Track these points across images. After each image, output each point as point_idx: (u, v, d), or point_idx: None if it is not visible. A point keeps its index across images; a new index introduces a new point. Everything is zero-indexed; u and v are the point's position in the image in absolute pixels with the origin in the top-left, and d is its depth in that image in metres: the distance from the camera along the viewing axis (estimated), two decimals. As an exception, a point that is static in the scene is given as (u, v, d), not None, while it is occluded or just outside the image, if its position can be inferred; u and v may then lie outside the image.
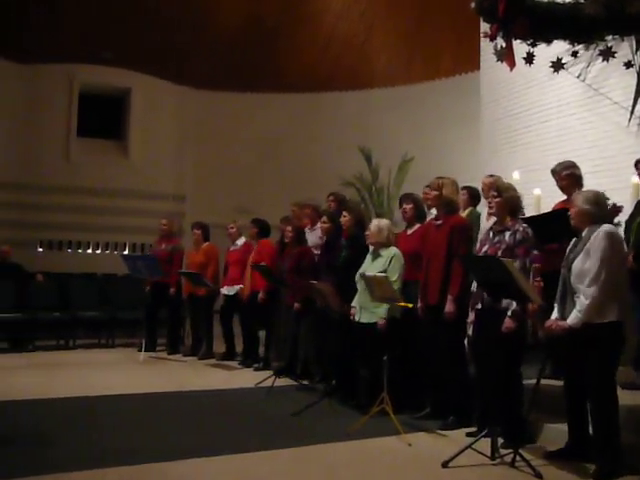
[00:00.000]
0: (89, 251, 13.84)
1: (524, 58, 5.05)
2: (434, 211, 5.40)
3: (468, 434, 4.55)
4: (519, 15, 4.43)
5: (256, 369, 7.19)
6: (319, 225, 6.95)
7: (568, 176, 5.13)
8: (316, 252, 6.78)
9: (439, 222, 5.08)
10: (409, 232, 5.69)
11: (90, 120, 14.03)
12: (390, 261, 5.25)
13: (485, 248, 4.53)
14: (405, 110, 13.49)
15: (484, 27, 5.93)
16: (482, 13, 4.75)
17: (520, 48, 4.99)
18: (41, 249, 13.49)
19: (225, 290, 7.86)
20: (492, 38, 4.74)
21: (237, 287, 7.67)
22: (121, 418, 5.09)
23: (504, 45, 4.79)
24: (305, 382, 6.39)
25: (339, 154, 13.35)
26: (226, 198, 13.75)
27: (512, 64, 4.92)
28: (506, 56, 4.85)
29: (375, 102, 13.91)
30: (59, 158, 13.59)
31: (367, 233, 5.52)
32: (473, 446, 3.99)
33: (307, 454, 4.28)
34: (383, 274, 4.93)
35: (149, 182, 13.94)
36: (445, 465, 3.91)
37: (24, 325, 8.54)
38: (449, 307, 4.82)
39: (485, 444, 4.00)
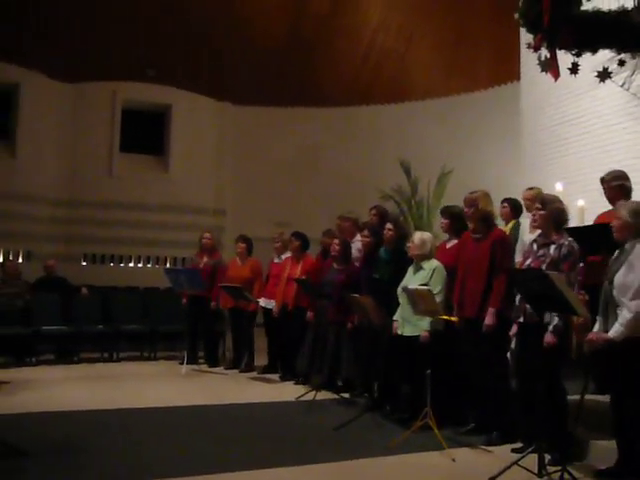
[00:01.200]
0: (131, 265, 14.06)
1: (569, 68, 4.97)
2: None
3: (513, 450, 4.47)
4: (565, 25, 4.38)
5: (296, 383, 7.19)
6: (358, 238, 6.96)
7: (618, 187, 4.96)
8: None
9: (478, 235, 5.03)
10: (448, 245, 5.66)
11: (132, 136, 14.31)
12: (432, 274, 5.22)
13: (529, 261, 4.47)
14: (444, 122, 13.43)
15: (526, 37, 5.90)
16: (526, 24, 4.70)
17: (563, 58, 4.93)
18: (85, 263, 13.75)
19: (263, 302, 7.87)
20: (536, 49, 4.69)
21: (273, 302, 7.67)
22: (164, 430, 5.13)
23: (548, 55, 4.73)
24: (346, 396, 6.37)
25: (378, 167, 13.34)
26: (265, 212, 13.86)
27: (556, 74, 4.86)
28: (550, 66, 4.79)
29: (414, 114, 13.88)
30: (103, 174, 13.89)
31: (409, 245, 5.49)
32: (520, 462, 3.92)
33: (350, 469, 4.25)
34: (426, 287, 4.89)
35: (189, 196, 14.14)
36: (491, 481, 3.85)
37: (69, 337, 8.68)
38: (489, 320, 4.76)
39: (532, 461, 3.92)
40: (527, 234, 5.70)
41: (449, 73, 13.51)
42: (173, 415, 5.70)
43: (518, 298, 4.47)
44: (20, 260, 12.61)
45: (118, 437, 4.87)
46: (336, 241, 6.83)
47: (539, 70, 5.22)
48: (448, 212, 5.69)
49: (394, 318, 5.41)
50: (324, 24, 13.38)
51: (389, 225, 5.95)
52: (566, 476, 3.78)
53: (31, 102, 13.26)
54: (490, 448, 4.66)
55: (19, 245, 13.00)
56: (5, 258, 12.10)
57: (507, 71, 11.95)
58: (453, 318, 4.73)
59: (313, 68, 13.82)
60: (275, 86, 14.09)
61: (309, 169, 14.36)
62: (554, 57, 4.72)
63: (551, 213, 4.41)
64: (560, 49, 4.72)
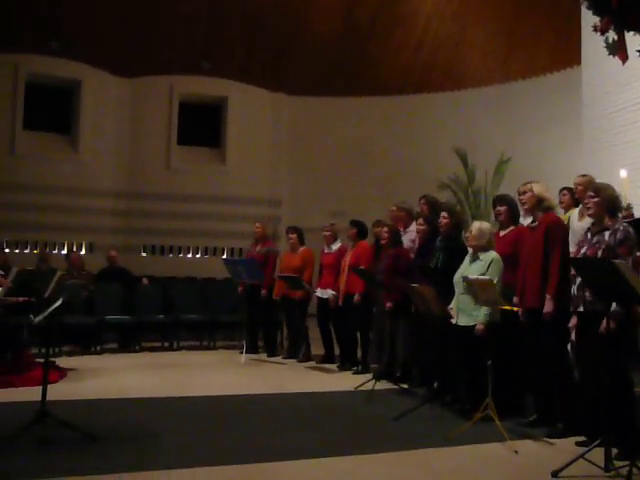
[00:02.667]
0: (189, 256, 14.31)
1: (638, 50, 4.81)
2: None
3: (577, 443, 4.38)
4: (634, 6, 4.24)
5: (355, 372, 7.21)
6: (411, 228, 6.92)
7: None
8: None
9: (533, 225, 4.96)
10: (502, 234, 5.58)
11: (190, 129, 14.54)
12: (489, 265, 5.14)
13: (584, 249, 4.40)
14: (501, 109, 13.21)
15: (587, 20, 5.73)
16: (592, 6, 4.56)
17: (631, 41, 4.77)
18: (144, 254, 14.07)
19: (319, 293, 7.90)
20: (603, 31, 4.55)
21: (330, 292, 7.68)
22: (224, 418, 5.21)
23: (616, 38, 4.59)
24: (404, 386, 6.36)
25: (434, 156, 13.22)
26: (321, 202, 13.90)
27: (624, 58, 4.72)
28: (618, 49, 4.64)
29: (470, 102, 13.68)
30: (161, 166, 14.17)
31: (466, 235, 5.43)
32: (585, 456, 3.84)
33: (410, 459, 4.24)
34: (487, 277, 4.83)
35: (246, 188, 14.30)
36: (555, 475, 3.78)
37: (131, 327, 8.93)
38: (548, 306, 4.68)
39: (598, 454, 3.83)
40: (576, 222, 5.59)
41: (506, 59, 13.25)
42: (234, 403, 5.79)
43: (575, 287, 4.39)
44: (83, 252, 13.00)
45: (182, 424, 4.97)
46: (385, 229, 6.82)
47: (602, 54, 5.07)
48: (502, 199, 5.61)
49: (450, 307, 5.36)
50: (378, 13, 13.29)
51: (444, 214, 5.89)
52: (635, 471, 3.69)
53: (92, 98, 13.61)
54: (553, 441, 4.57)
55: (82, 237, 13.41)
56: (69, 250, 12.47)
57: (567, 56, 11.67)
58: (515, 308, 4.66)
59: (368, 57, 13.76)
60: (330, 76, 14.09)
61: (364, 159, 14.33)
62: (622, 39, 4.58)
63: (604, 200, 4.33)
64: (629, 31, 4.58)
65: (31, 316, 4.93)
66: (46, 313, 4.55)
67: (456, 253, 5.55)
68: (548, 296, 4.69)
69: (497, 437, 4.49)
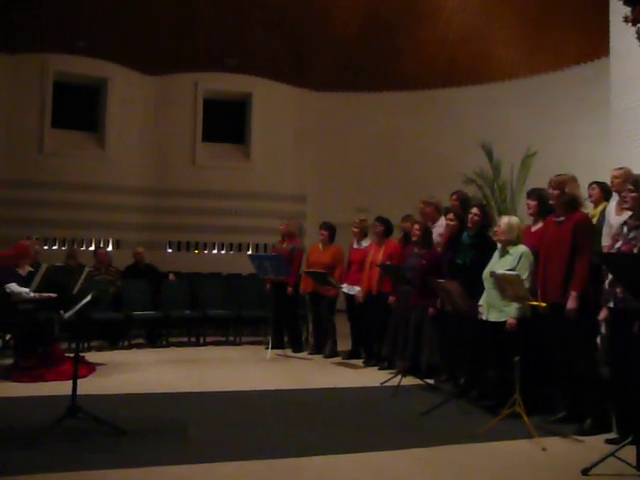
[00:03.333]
0: (214, 252, 14.40)
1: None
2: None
3: (608, 441, 4.33)
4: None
5: (381, 368, 7.21)
6: (439, 223, 6.89)
7: None
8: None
9: (560, 219, 4.89)
10: (533, 229, 5.53)
11: (214, 125, 14.60)
12: (519, 259, 5.11)
13: (618, 244, 4.33)
14: (527, 103, 13.07)
15: (616, 10, 5.64)
16: (625, -3, 4.49)
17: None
18: (170, 250, 14.19)
19: (346, 289, 7.90)
20: (634, 21, 4.48)
21: (356, 289, 7.68)
22: (251, 413, 5.24)
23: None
24: (430, 382, 6.34)
25: (459, 150, 13.13)
26: (346, 198, 13.89)
27: (656, 48, 4.63)
28: (649, 39, 4.57)
29: (496, 96, 13.55)
30: (186, 163, 14.26)
31: (495, 230, 5.40)
32: (616, 454, 3.79)
33: (437, 454, 4.24)
34: (514, 272, 4.80)
35: (271, 184, 14.34)
36: (585, 473, 3.74)
37: (159, 322, 9.01)
38: (571, 304, 4.63)
39: (630, 452, 3.79)
40: (613, 216, 5.51)
41: (533, 51, 13.10)
42: (260, 398, 5.82)
43: (608, 282, 4.33)
44: (110, 248, 13.15)
45: (209, 419, 5.01)
46: (416, 226, 6.79)
47: (631, 44, 5.00)
48: (536, 194, 5.55)
49: (479, 303, 5.33)
50: (403, 7, 13.21)
51: (475, 210, 5.85)
52: (666, 469, 3.65)
53: (118, 96, 13.74)
54: (582, 438, 4.52)
55: (109, 234, 13.57)
56: (96, 246, 12.62)
57: (595, 47, 11.50)
58: (542, 304, 4.61)
59: (393, 52, 13.70)
60: (355, 71, 14.06)
61: (389, 154, 14.28)
62: (655, 29, 4.50)
63: (644, 195, 4.23)
64: (662, 21, 4.50)
65: (61, 311, 5.00)
66: (76, 308, 4.62)
67: (486, 250, 5.52)
68: (573, 293, 4.64)
69: (525, 434, 4.47)
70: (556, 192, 4.92)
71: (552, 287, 4.79)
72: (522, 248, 5.16)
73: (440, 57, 13.86)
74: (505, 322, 5.03)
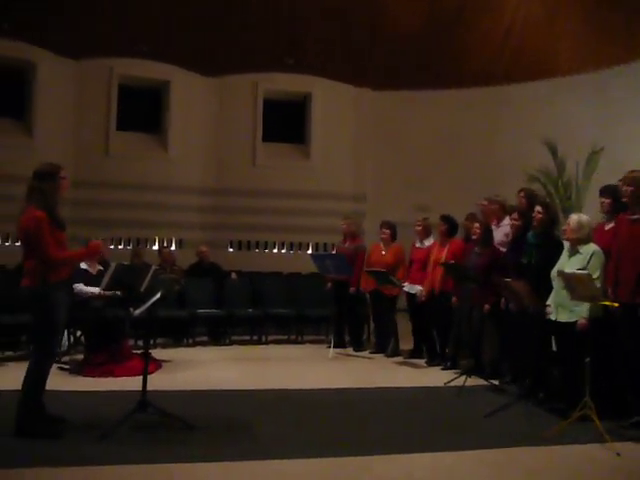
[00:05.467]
0: (275, 251, 14.52)
1: None
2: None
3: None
4: None
5: (443, 368, 7.14)
6: (505, 222, 6.78)
7: None
8: (501, 249, 6.61)
9: (635, 217, 4.74)
10: (607, 227, 5.37)
11: (274, 125, 14.71)
12: (590, 258, 4.97)
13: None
14: (593, 98, 12.68)
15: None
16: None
17: None
18: (231, 249, 14.38)
19: (407, 287, 7.86)
20: None
21: (418, 288, 7.63)
22: (314, 411, 5.27)
23: None
24: (495, 382, 6.24)
25: (521, 148, 12.85)
26: (405, 196, 13.78)
27: None
28: None
29: (560, 91, 13.20)
30: (246, 163, 14.40)
31: (564, 228, 5.28)
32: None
33: (504, 456, 4.18)
34: (584, 272, 4.68)
35: (330, 183, 14.34)
36: (663, 478, 3.64)
37: (222, 320, 9.13)
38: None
39: None
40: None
41: (599, 45, 12.71)
42: (323, 397, 5.85)
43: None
44: (173, 247, 13.40)
45: (273, 416, 5.06)
46: (476, 225, 6.73)
47: None
48: (610, 191, 5.39)
49: (547, 303, 5.22)
50: (463, 3, 13.04)
51: (539, 208, 5.74)
52: None
53: (180, 97, 13.98)
54: (658, 443, 4.40)
55: (172, 233, 13.82)
56: (160, 246, 12.89)
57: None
58: (615, 304, 4.48)
59: (453, 48, 13.51)
60: (414, 69, 13.92)
61: (449, 152, 14.09)
62: None
63: None
64: None
65: (131, 309, 5.13)
66: (146, 306, 4.73)
67: (552, 249, 5.41)
68: None
69: (596, 438, 4.36)
70: (630, 189, 4.78)
71: (625, 287, 4.66)
72: (593, 247, 5.03)
73: (502, 53, 13.60)
74: (575, 322, 4.91)
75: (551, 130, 12.08)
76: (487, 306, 6.23)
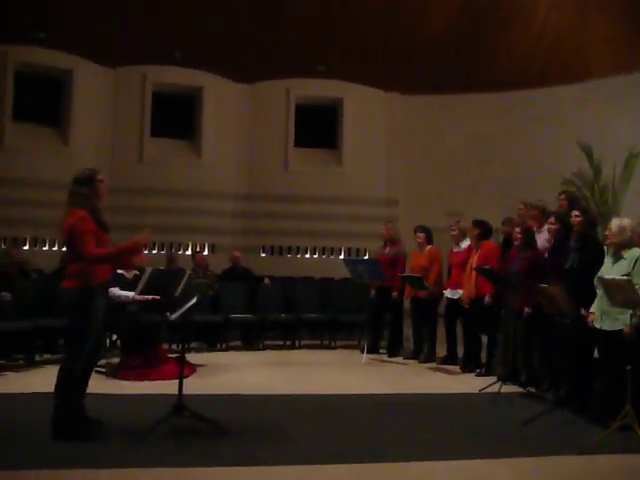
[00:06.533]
0: (307, 256, 14.53)
1: None
2: None
3: None
4: None
5: (478, 375, 7.06)
6: (546, 227, 6.66)
7: None
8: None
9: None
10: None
11: (305, 131, 14.75)
12: (635, 263, 4.85)
13: None
14: (629, 101, 12.46)
15: None
16: None
17: None
18: (264, 254, 14.43)
19: (448, 293, 7.81)
20: None
21: (460, 292, 7.57)
22: (347, 416, 5.25)
23: None
24: (532, 390, 6.15)
25: (556, 152, 12.70)
26: (438, 201, 13.69)
27: None
28: None
29: (593, 94, 12.98)
30: (279, 169, 14.46)
31: (606, 233, 5.17)
32: None
33: (543, 465, 4.11)
34: (624, 277, 4.58)
35: (362, 188, 14.32)
36: None
37: (255, 325, 9.17)
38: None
39: None
40: None
41: (634, 46, 12.49)
42: (358, 402, 5.83)
43: None
44: (206, 252, 13.51)
45: (307, 421, 5.05)
46: (517, 229, 6.62)
47: None
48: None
49: (591, 310, 5.11)
50: (495, 6, 12.94)
51: (576, 212, 5.65)
52: None
53: (213, 104, 14.12)
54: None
55: (205, 238, 13.94)
56: (194, 251, 12.99)
57: None
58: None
59: (484, 52, 13.40)
60: (444, 73, 13.84)
61: (482, 156, 13.97)
62: None
63: None
64: None
65: (167, 313, 5.17)
66: (182, 310, 4.77)
67: (592, 253, 5.31)
68: None
69: (637, 448, 4.25)
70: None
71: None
72: (637, 252, 4.91)
73: (534, 56, 13.44)
74: (619, 331, 4.80)
75: (585, 133, 11.91)
76: (527, 309, 6.14)
